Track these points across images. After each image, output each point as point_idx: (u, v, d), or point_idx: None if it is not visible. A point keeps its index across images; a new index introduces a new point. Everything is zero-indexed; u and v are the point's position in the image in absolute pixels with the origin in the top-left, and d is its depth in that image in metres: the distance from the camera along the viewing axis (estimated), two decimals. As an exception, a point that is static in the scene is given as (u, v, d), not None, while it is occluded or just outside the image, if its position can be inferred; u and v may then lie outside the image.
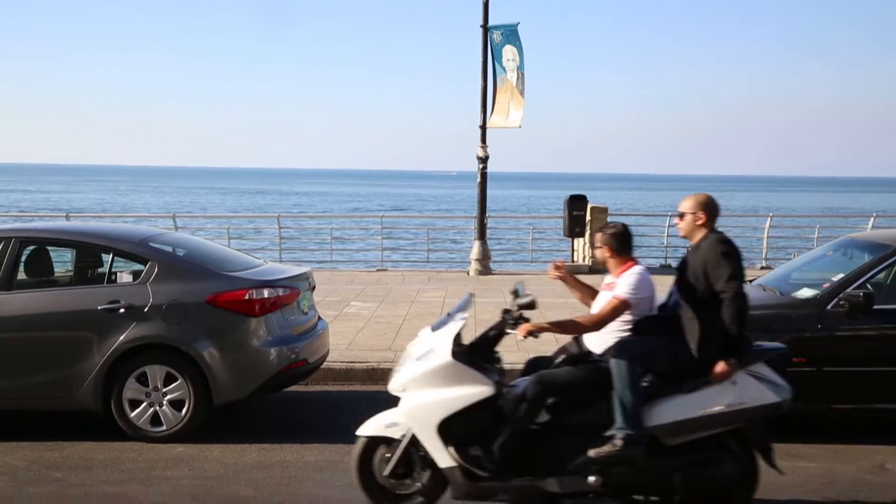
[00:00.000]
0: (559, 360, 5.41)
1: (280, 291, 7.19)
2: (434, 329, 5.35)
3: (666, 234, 19.36)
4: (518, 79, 17.24)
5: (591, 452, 4.98)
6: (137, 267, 7.21)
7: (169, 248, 7.40)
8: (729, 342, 4.94)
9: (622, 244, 5.35)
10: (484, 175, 17.64)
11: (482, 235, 17.69)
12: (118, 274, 7.21)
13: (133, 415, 6.88)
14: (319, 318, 8.12)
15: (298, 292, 7.47)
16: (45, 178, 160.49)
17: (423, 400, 5.17)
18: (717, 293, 4.97)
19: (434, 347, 5.21)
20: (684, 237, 5.31)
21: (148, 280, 6.99)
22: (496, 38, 17.33)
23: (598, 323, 5.19)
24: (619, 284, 5.24)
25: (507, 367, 5.60)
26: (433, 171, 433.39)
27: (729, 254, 5.00)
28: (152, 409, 6.89)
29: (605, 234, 5.38)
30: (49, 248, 7.70)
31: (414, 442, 5.24)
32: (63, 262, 8.22)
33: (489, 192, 17.84)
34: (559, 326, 5.21)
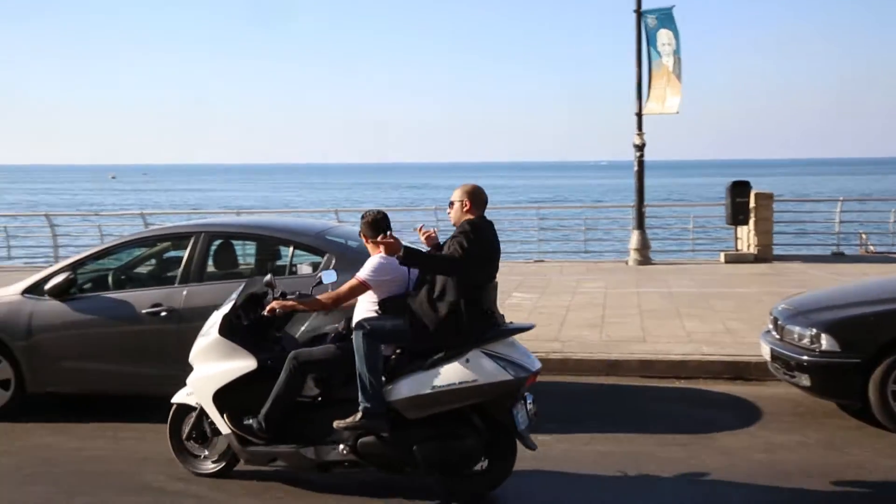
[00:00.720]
0: (330, 336, 5.84)
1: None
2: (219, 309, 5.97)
3: (837, 221, 18.45)
4: (675, 63, 16.83)
5: (336, 423, 5.39)
6: (315, 259, 7.48)
7: (343, 241, 7.63)
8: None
9: (374, 230, 5.77)
10: (641, 163, 17.34)
11: (640, 225, 17.38)
12: (298, 266, 7.50)
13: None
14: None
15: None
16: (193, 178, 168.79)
17: (201, 373, 5.84)
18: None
19: (212, 325, 5.85)
20: (453, 224, 5.61)
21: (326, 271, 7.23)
22: (650, 23, 16.97)
23: (336, 301, 5.69)
24: (363, 267, 5.68)
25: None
26: (582, 162, 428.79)
27: (465, 233, 5.34)
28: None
29: (363, 222, 5.91)
30: (234, 241, 8.07)
31: (205, 411, 5.88)
32: (244, 255, 8.61)
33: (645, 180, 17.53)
34: (305, 303, 5.76)
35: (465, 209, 5.56)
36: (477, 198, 5.59)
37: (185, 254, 7.44)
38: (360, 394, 5.32)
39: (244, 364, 5.70)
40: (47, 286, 7.43)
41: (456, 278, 5.28)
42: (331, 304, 5.71)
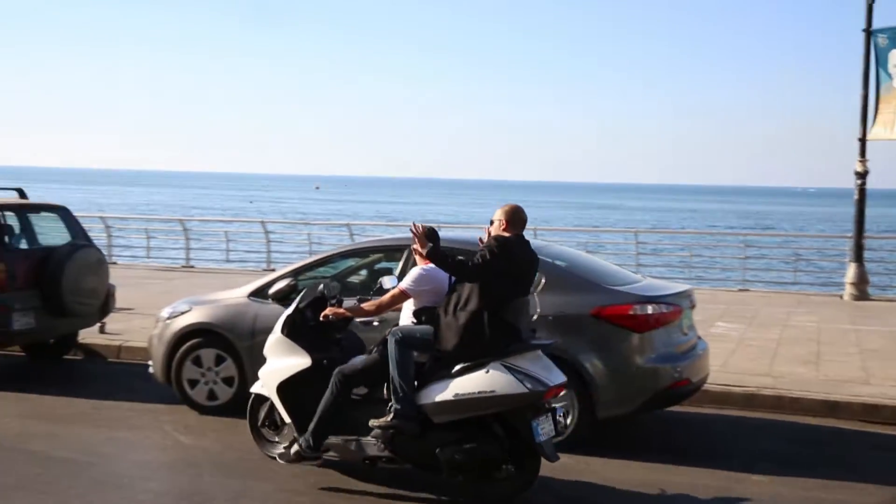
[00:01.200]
0: (376, 344, 6.14)
1: (664, 308, 7.09)
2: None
3: None
4: (907, 86, 15.66)
5: (371, 422, 5.84)
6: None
7: (553, 260, 7.56)
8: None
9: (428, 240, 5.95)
10: (862, 191, 16.28)
11: (859, 257, 16.28)
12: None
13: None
14: (699, 337, 7.89)
15: (681, 310, 7.31)
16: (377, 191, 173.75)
17: (269, 367, 6.43)
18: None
19: (277, 324, 6.43)
20: None
21: (535, 290, 7.19)
22: (881, 42, 15.90)
23: (378, 308, 6.27)
24: (406, 277, 6.18)
25: None
26: (786, 187, 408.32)
27: (490, 247, 5.64)
28: (541, 417, 7.06)
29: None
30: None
31: None
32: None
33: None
34: (352, 311, 6.29)
35: (502, 227, 5.87)
36: (514, 217, 5.91)
37: (399, 266, 7.60)
38: (392, 396, 5.77)
39: (300, 361, 6.25)
40: (271, 290, 7.80)
41: (479, 290, 5.61)
42: (374, 311, 6.30)
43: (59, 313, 9.54)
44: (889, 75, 15.88)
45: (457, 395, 5.65)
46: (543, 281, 7.18)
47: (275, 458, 6.48)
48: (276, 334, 6.44)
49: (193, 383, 8.10)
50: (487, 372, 5.61)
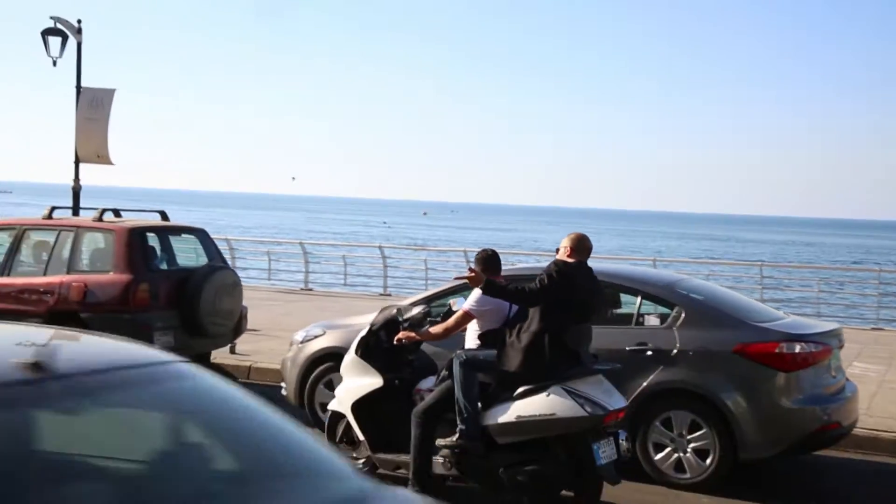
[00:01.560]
0: (442, 372, 6.32)
1: (812, 347, 6.81)
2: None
3: None
4: None
5: (438, 441, 6.06)
6: (663, 311, 7.30)
7: (693, 294, 7.37)
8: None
9: (487, 266, 6.37)
10: None
11: None
12: (645, 317, 7.35)
13: (657, 458, 6.92)
14: (847, 379, 7.54)
15: (830, 350, 7.01)
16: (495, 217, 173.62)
17: (344, 386, 6.74)
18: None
19: (353, 345, 6.73)
20: None
21: (675, 325, 7.03)
22: None
23: (446, 331, 6.43)
24: (468, 299, 6.36)
25: None
26: None
27: (550, 273, 5.84)
28: (676, 454, 6.87)
29: (476, 258, 6.56)
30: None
31: None
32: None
33: None
34: (421, 335, 6.48)
35: (566, 254, 6.08)
36: (579, 245, 6.11)
37: None
38: (457, 417, 5.94)
39: (373, 381, 6.52)
40: (405, 316, 7.85)
41: (540, 313, 5.79)
42: (442, 334, 6.46)
43: (196, 333, 9.83)
44: None
45: (519, 416, 5.79)
46: (683, 315, 7.02)
47: None
48: (350, 355, 6.74)
49: (325, 407, 8.20)
50: (548, 395, 5.73)
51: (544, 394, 5.75)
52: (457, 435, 5.96)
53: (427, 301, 7.97)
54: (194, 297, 9.69)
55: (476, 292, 6.26)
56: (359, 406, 6.58)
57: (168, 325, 9.57)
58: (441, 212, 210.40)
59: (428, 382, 6.55)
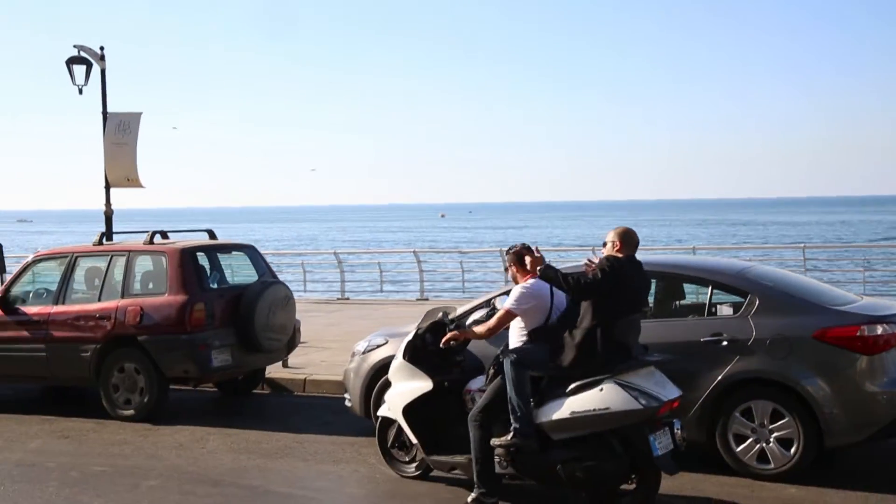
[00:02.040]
0: (489, 371, 6.34)
1: (894, 328, 6.66)
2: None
3: None
4: None
5: (493, 441, 6.03)
6: (736, 299, 7.18)
7: (765, 281, 7.23)
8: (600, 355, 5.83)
9: (520, 260, 6.32)
10: None
11: None
12: (718, 306, 7.23)
13: (739, 450, 6.79)
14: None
15: (911, 330, 6.84)
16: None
17: (395, 389, 6.77)
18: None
19: (400, 349, 6.78)
20: None
21: (749, 313, 6.90)
22: None
23: (489, 331, 6.44)
24: (507, 297, 6.35)
25: None
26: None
27: (603, 267, 5.87)
28: (759, 445, 6.74)
29: (509, 254, 6.57)
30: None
31: None
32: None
33: None
34: (466, 334, 6.54)
35: (615, 248, 6.09)
36: (627, 239, 6.12)
37: None
38: (511, 415, 5.93)
39: (423, 385, 6.57)
40: (469, 320, 7.76)
41: (592, 308, 5.85)
42: (486, 333, 6.45)
43: (252, 349, 9.82)
44: None
45: (573, 412, 5.80)
46: (758, 303, 6.90)
47: (407, 477, 6.93)
48: (398, 359, 6.79)
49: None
50: (601, 390, 5.75)
51: (597, 388, 5.78)
52: (511, 434, 5.97)
53: (489, 304, 7.90)
54: (249, 314, 9.68)
55: (516, 291, 6.32)
56: (410, 409, 6.63)
57: (225, 343, 9.58)
58: (459, 213, 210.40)
59: (477, 383, 6.59)
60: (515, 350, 6.21)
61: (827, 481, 6.59)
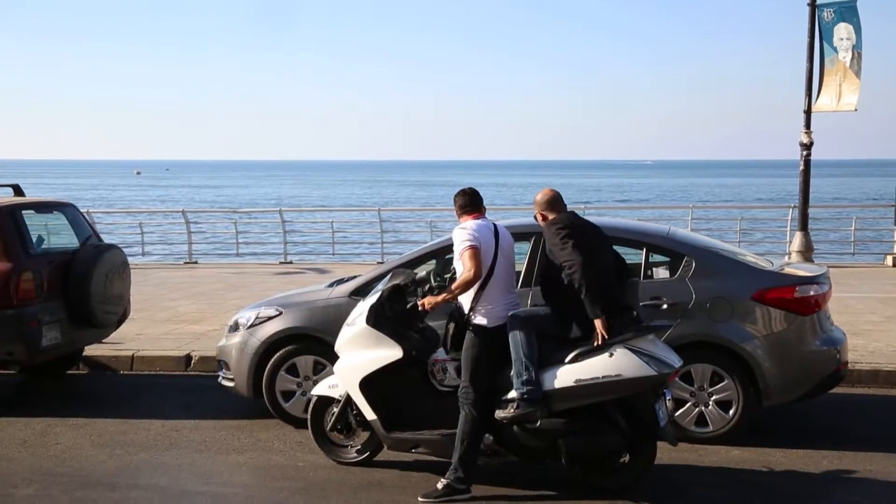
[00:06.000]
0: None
1: (822, 289, 6.86)
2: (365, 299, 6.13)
3: None
4: (853, 59, 16.17)
5: (497, 414, 5.48)
6: (667, 261, 7.05)
7: (696, 244, 7.18)
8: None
9: (467, 202, 5.79)
10: (807, 162, 16.73)
11: (804, 226, 16.81)
12: (653, 269, 7.08)
13: (677, 414, 6.68)
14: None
15: (830, 291, 7.12)
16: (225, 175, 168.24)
17: (348, 361, 5.96)
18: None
19: (358, 315, 5.96)
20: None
21: (687, 276, 6.81)
22: (826, 17, 16.33)
23: (466, 284, 5.51)
24: (458, 238, 5.57)
25: None
26: (746, 160, 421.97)
27: (558, 227, 5.54)
28: (697, 408, 6.72)
29: (458, 196, 5.88)
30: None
31: (349, 402, 6.03)
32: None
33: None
34: (449, 292, 5.63)
35: (550, 211, 5.73)
36: (552, 204, 5.75)
37: (528, 250, 7.02)
38: (516, 380, 5.42)
39: (391, 353, 5.82)
40: (415, 280, 7.02)
41: (582, 268, 5.34)
42: (464, 286, 5.56)
43: (86, 324, 8.36)
44: (834, 48, 16.37)
45: (578, 380, 5.38)
46: (694, 265, 6.83)
47: (346, 463, 6.25)
48: (359, 326, 5.93)
49: (288, 395, 7.25)
50: (611, 355, 5.36)
51: (606, 354, 5.37)
52: (515, 405, 5.42)
53: (422, 260, 7.25)
54: (84, 283, 8.20)
55: (461, 231, 5.61)
56: (369, 382, 5.88)
57: (55, 317, 8.08)
58: (155, 170, 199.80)
59: (441, 353, 5.99)
60: (522, 311, 5.72)
61: (767, 441, 6.70)
